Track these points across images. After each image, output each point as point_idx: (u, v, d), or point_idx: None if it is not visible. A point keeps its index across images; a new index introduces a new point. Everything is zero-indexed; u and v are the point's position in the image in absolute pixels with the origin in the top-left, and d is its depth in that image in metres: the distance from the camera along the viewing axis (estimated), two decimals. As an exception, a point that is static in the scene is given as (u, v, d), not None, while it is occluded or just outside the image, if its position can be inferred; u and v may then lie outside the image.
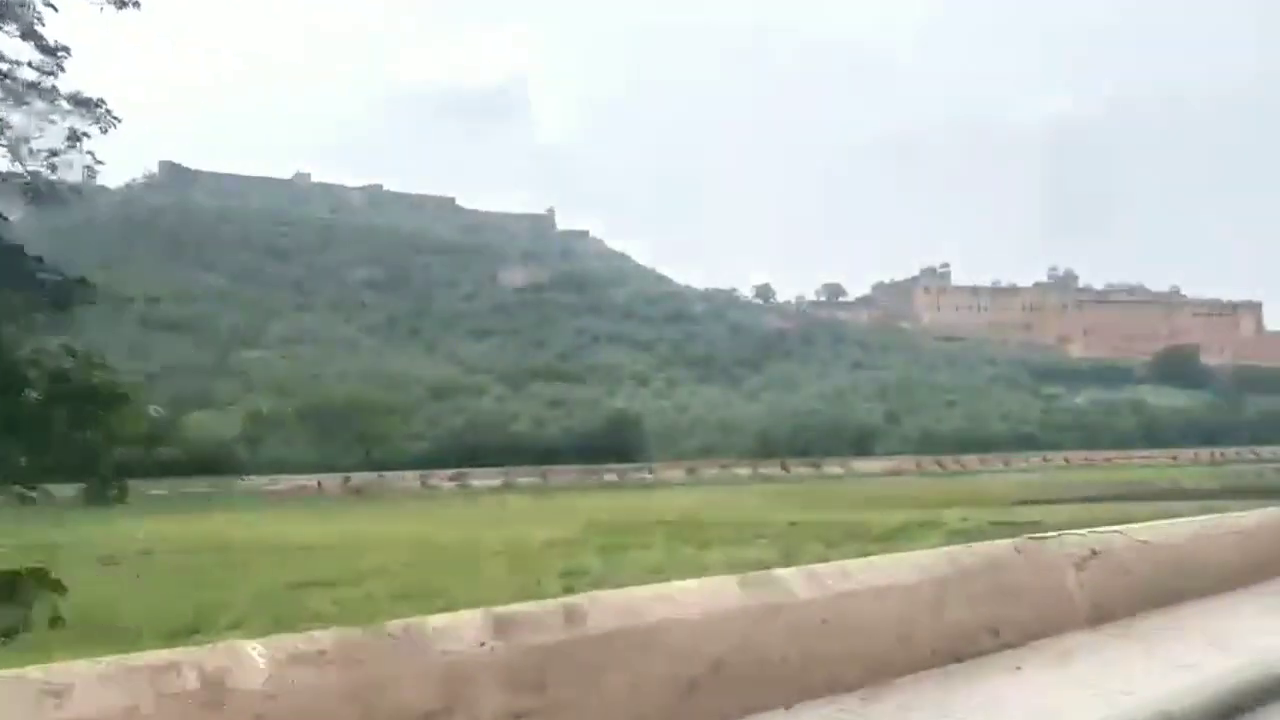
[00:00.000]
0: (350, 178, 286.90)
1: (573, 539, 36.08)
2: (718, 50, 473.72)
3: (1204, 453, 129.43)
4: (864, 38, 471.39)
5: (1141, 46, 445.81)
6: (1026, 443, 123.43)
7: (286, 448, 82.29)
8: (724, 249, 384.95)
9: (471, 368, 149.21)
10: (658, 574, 26.22)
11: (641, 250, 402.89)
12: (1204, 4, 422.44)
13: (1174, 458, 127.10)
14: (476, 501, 64.78)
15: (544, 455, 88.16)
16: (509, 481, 79.37)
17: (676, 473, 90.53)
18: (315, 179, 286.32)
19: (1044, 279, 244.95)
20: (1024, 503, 62.08)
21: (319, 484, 70.73)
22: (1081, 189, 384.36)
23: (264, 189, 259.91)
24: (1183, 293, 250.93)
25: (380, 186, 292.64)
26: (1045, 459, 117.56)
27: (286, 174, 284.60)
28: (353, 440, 79.78)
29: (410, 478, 75.98)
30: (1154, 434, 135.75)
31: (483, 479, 79.26)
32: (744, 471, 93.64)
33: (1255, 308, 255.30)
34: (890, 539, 33.98)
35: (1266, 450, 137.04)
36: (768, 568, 3.46)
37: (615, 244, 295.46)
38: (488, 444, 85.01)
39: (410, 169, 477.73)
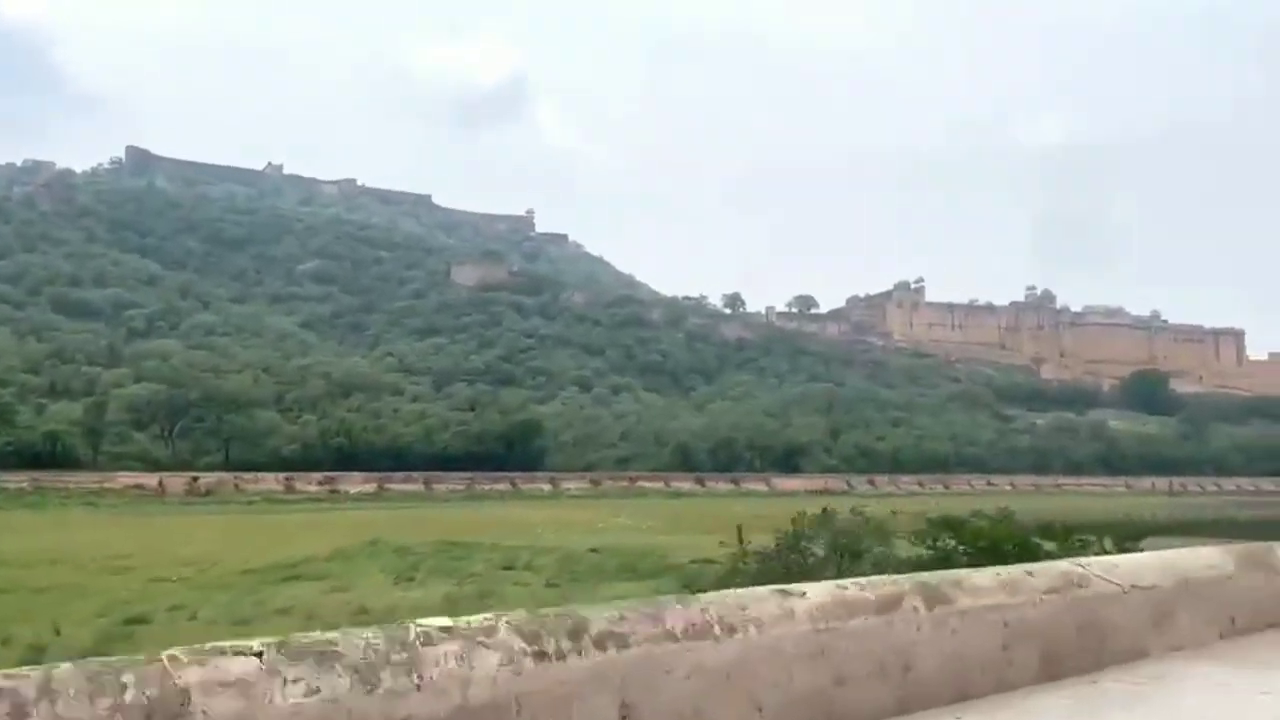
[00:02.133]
0: (339, 172, 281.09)
1: (283, 564, 30.49)
2: (715, 63, 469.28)
3: (1162, 482, 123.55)
4: (861, 56, 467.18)
5: (1135, 77, 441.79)
6: (974, 464, 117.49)
7: (152, 442, 76.26)
8: (707, 258, 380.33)
9: (408, 366, 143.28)
10: (210, 627, 20.27)
11: (623, 256, 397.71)
12: (1197, 38, 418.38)
13: (1128, 486, 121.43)
14: (309, 509, 58.91)
15: (438, 461, 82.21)
16: (384, 488, 73.39)
17: (579, 484, 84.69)
18: (288, 170, 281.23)
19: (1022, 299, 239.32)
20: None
21: (159, 483, 64.64)
22: (1069, 213, 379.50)
23: (233, 178, 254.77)
24: (1163, 318, 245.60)
25: (354, 181, 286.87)
26: (990, 483, 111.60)
27: (261, 165, 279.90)
28: (213, 437, 73.64)
29: (270, 480, 69.88)
30: (1111, 461, 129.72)
31: (357, 484, 73.28)
32: (654, 485, 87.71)
33: (1237, 335, 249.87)
34: (655, 575, 28.67)
35: (1230, 483, 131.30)
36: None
37: (594, 249, 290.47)
38: (377, 447, 78.95)
39: (402, 167, 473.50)
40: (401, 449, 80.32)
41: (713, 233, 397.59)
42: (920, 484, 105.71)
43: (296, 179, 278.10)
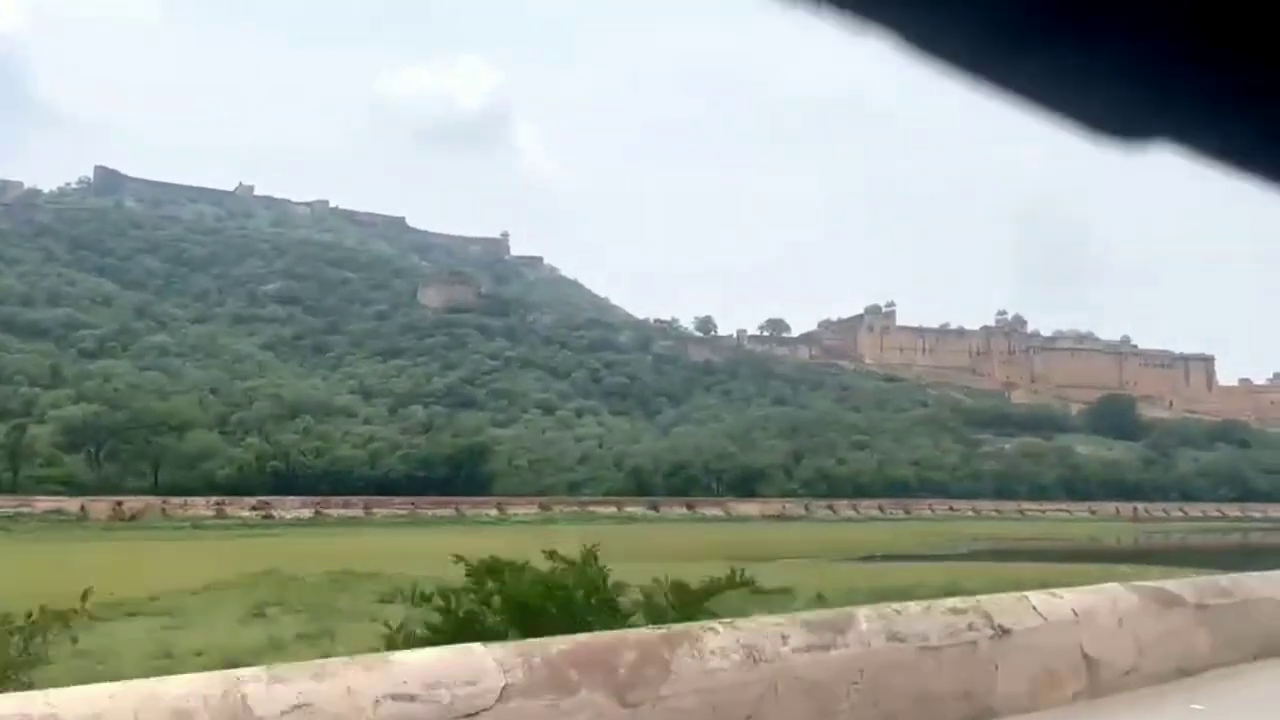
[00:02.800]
0: (317, 195, 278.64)
1: (143, 598, 28.62)
2: (694, 88, 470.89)
3: (1126, 507, 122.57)
4: (838, 84, 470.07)
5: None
6: (936, 489, 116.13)
7: (82, 466, 73.88)
8: (684, 282, 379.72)
9: (368, 389, 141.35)
10: None
11: (600, 280, 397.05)
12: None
13: (1092, 511, 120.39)
14: (235, 535, 56.81)
15: (382, 485, 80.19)
16: (321, 513, 71.26)
17: (528, 509, 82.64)
18: (262, 192, 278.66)
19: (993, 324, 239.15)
20: (866, 558, 54.96)
21: (81, 508, 62.30)
22: (1043, 238, 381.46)
23: (203, 199, 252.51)
24: (1133, 343, 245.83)
25: (326, 202, 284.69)
26: (952, 508, 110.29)
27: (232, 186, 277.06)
28: (144, 460, 71.35)
29: (201, 504, 67.59)
30: (1075, 486, 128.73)
31: (293, 509, 71.08)
32: (607, 510, 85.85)
33: (1207, 361, 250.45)
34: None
35: (1194, 508, 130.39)
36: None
37: (571, 272, 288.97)
38: (316, 470, 76.84)
39: (381, 191, 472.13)
40: (342, 473, 78.16)
41: (690, 257, 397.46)
42: (881, 508, 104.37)
43: (268, 200, 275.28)
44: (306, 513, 70.66)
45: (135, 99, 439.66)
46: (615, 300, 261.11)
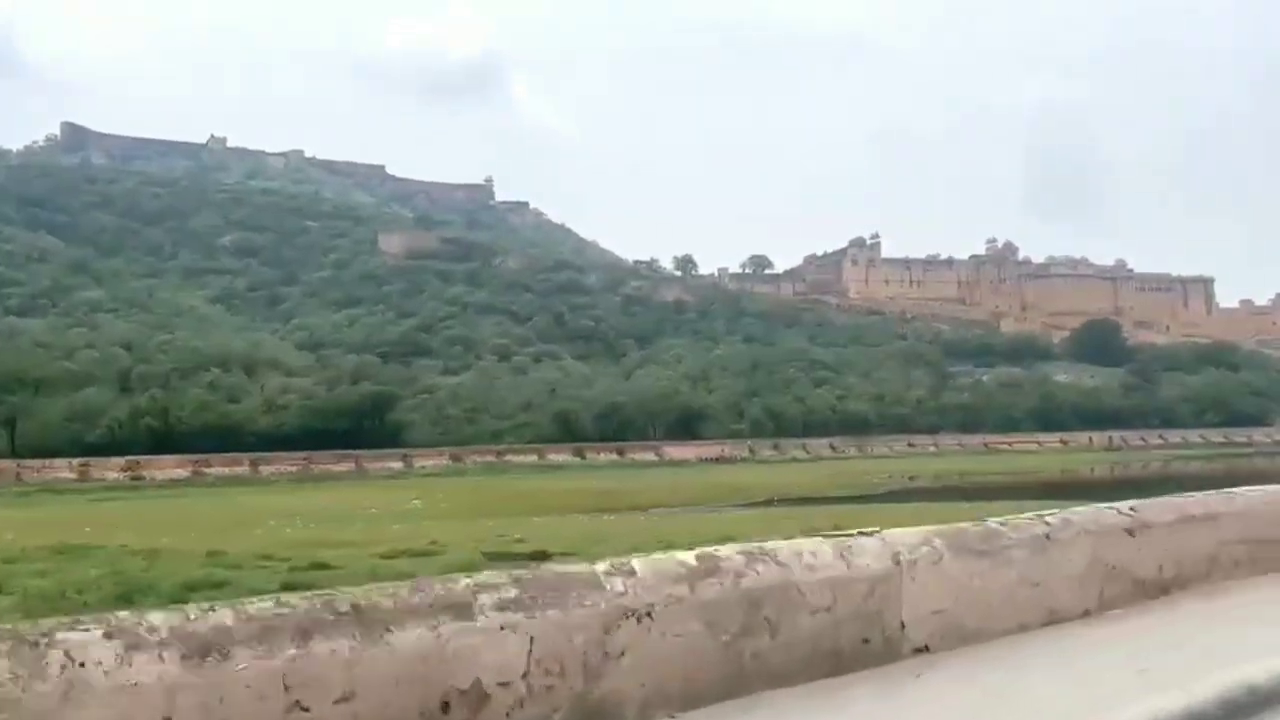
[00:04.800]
0: (310, 150, 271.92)
1: None
2: (683, 24, 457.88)
3: (1101, 437, 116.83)
4: (830, 20, 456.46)
5: (1103, 31, 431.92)
6: (898, 424, 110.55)
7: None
8: (674, 223, 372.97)
9: (319, 340, 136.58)
10: None
11: (590, 224, 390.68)
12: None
13: (1064, 442, 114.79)
14: (83, 499, 52.21)
15: (280, 440, 75.53)
16: (200, 472, 66.65)
17: (439, 461, 77.96)
18: (239, 144, 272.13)
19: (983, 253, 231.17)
20: (765, 503, 49.52)
21: (-85, 475, 57.88)
22: (1035, 164, 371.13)
23: (174, 153, 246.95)
24: (1130, 267, 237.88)
25: (301, 152, 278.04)
26: (911, 444, 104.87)
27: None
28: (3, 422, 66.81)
29: (63, 467, 63.05)
30: (1049, 416, 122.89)
31: (168, 469, 66.49)
32: (526, 459, 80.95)
33: (1206, 283, 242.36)
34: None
35: (1177, 435, 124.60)
36: None
37: (559, 216, 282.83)
38: (195, 426, 72.13)
39: (375, 142, 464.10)
40: (233, 428, 73.38)
41: (680, 199, 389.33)
42: (833, 447, 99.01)
43: (242, 151, 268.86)
44: (183, 472, 66.05)
45: (115, 55, 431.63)
46: (605, 244, 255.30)
